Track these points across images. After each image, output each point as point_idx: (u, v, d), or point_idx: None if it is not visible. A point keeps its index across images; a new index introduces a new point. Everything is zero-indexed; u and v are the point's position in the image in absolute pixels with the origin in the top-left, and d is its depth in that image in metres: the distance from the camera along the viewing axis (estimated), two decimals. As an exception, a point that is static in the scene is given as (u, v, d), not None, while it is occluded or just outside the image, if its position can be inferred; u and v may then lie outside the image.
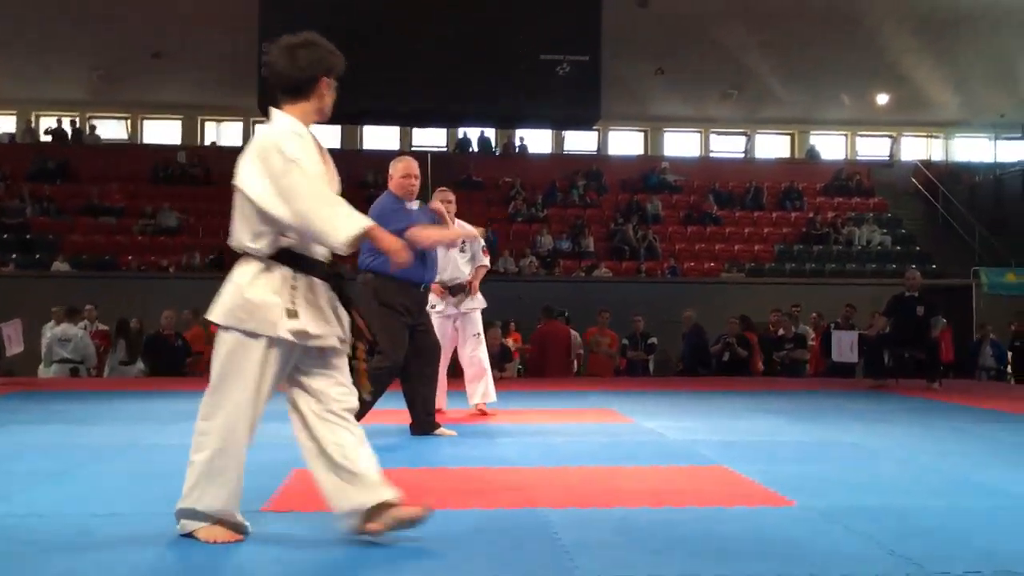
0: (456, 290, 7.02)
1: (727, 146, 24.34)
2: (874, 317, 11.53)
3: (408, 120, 19.44)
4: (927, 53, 19.71)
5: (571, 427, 6.63)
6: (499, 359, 11.01)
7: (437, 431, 5.93)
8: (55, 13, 17.66)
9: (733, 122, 23.47)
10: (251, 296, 3.07)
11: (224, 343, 3.12)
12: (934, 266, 18.32)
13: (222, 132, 23.49)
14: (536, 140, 22.60)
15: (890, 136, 24.43)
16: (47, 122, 21.91)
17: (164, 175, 19.72)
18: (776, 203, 20.78)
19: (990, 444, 5.96)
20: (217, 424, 3.11)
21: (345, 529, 3.15)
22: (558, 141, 23.24)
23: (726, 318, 13.04)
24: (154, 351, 11.89)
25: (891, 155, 24.20)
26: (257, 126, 3.22)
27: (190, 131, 22.89)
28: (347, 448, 3.10)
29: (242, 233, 3.14)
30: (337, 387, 3.16)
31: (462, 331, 7.12)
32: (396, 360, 5.60)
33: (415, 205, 5.83)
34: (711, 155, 23.93)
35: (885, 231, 19.90)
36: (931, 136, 24.71)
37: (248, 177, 3.09)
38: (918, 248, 19.61)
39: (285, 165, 3.01)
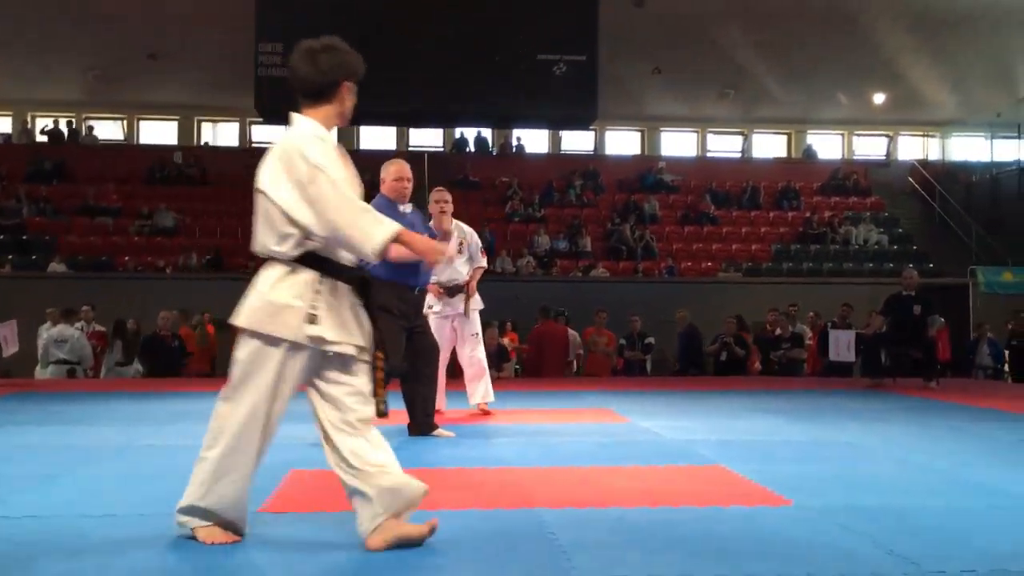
0: (454, 291, 7.02)
1: (724, 146, 24.36)
2: (871, 316, 11.54)
3: (405, 120, 19.44)
4: (923, 52, 19.73)
5: (568, 427, 6.63)
6: (496, 359, 11.03)
7: (435, 432, 5.93)
8: (51, 13, 17.63)
9: (730, 122, 23.49)
10: (273, 299, 3.06)
11: (244, 345, 3.11)
12: (931, 265, 18.33)
13: (218, 133, 23.49)
14: (533, 140, 22.60)
15: (887, 135, 24.47)
16: (43, 123, 21.88)
17: (160, 176, 19.70)
18: (773, 203, 20.80)
19: (987, 443, 5.96)
20: (231, 424, 3.09)
21: (359, 532, 3.14)
22: (555, 141, 23.25)
23: (723, 318, 13.06)
24: (151, 352, 11.88)
25: (888, 154, 24.25)
26: (282, 130, 3.21)
27: (186, 132, 22.87)
28: (364, 455, 3.09)
29: (266, 237, 3.11)
30: (353, 396, 3.13)
31: (460, 331, 7.12)
32: (393, 364, 5.60)
33: (408, 208, 5.83)
34: (708, 155, 23.95)
35: (882, 230, 19.92)
36: (928, 135, 24.74)
37: (272, 182, 3.08)
38: (915, 247, 19.63)
39: (311, 172, 3.00)
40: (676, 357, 13.56)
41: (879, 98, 22.15)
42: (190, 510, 3.15)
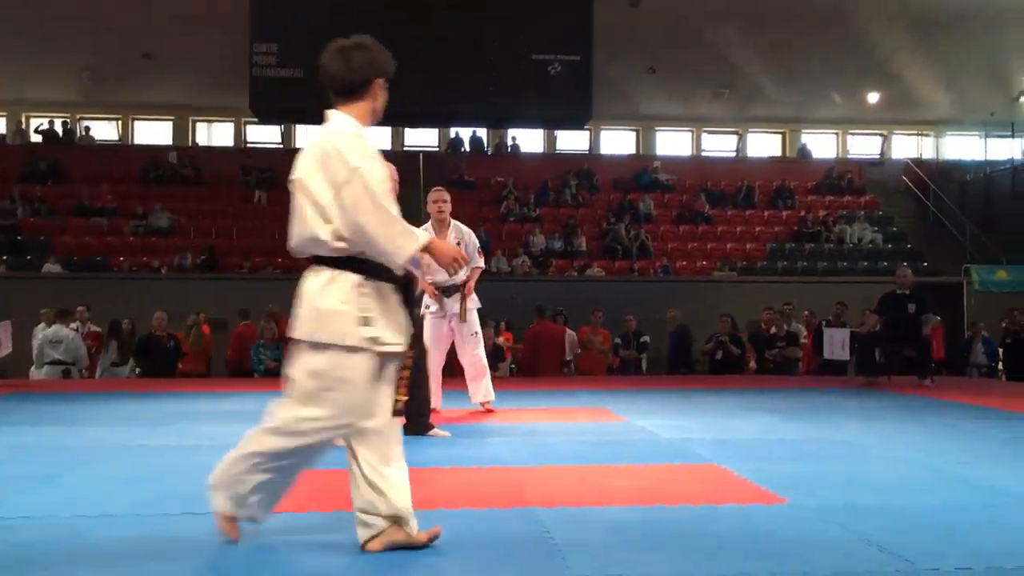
0: (450, 291, 7.01)
1: (719, 145, 24.38)
2: (864, 315, 11.56)
3: (401, 120, 19.40)
4: (918, 52, 19.76)
5: (564, 426, 6.64)
6: (491, 359, 11.01)
7: (431, 432, 5.93)
8: (46, 14, 17.58)
9: (724, 121, 23.50)
10: (321, 306, 3.04)
11: (306, 359, 3.07)
12: (925, 264, 18.37)
13: (213, 133, 23.45)
14: (528, 140, 22.60)
15: (881, 135, 24.51)
16: (38, 123, 21.83)
17: (155, 176, 19.66)
18: (768, 202, 20.82)
19: (982, 441, 5.98)
20: (296, 444, 3.06)
21: (357, 536, 3.14)
22: (550, 141, 23.25)
23: (717, 317, 13.06)
24: (146, 352, 11.87)
25: (882, 153, 24.29)
26: (321, 126, 3.20)
27: (181, 132, 22.83)
28: (375, 463, 3.10)
29: (302, 235, 3.09)
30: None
31: (459, 332, 7.12)
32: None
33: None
34: (703, 154, 23.96)
35: (876, 229, 19.95)
36: (922, 134, 24.77)
37: (310, 179, 3.06)
38: (909, 246, 19.67)
39: (348, 174, 2.99)
40: (666, 356, 13.56)
41: (873, 97, 22.19)
42: (232, 495, 3.13)
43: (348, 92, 3.20)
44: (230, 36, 15.98)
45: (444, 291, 6.98)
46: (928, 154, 24.48)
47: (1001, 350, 13.90)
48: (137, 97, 21.51)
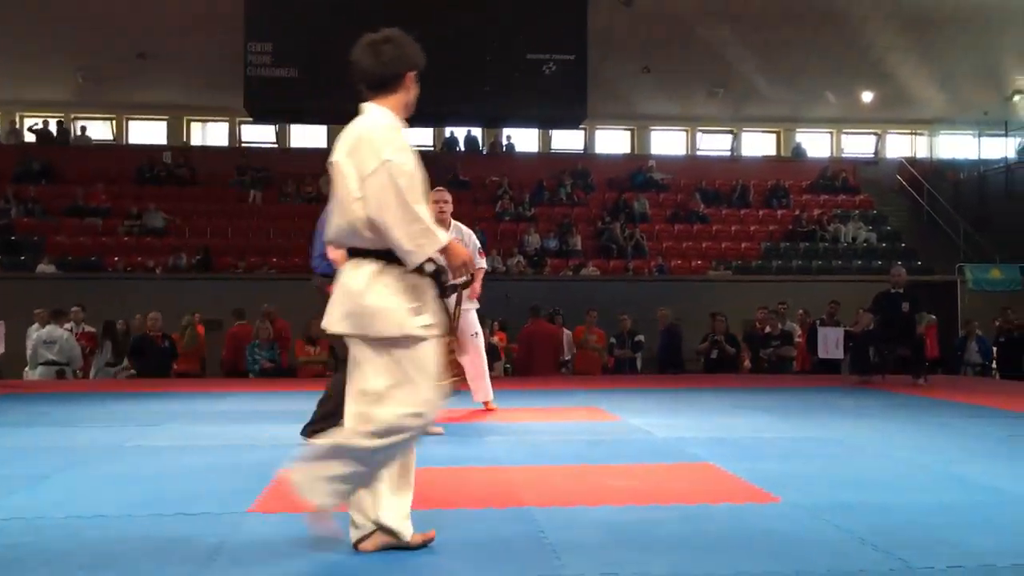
0: (449, 292, 6.96)
1: (713, 144, 24.40)
2: (859, 314, 11.58)
3: (396, 120, 19.44)
4: (912, 51, 19.82)
5: (558, 426, 6.64)
6: (487, 358, 11.00)
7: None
8: (40, 14, 17.55)
9: (719, 120, 23.53)
10: (370, 303, 3.01)
11: (368, 355, 3.03)
12: (919, 263, 18.40)
13: (208, 132, 23.40)
14: (523, 139, 22.60)
15: (875, 134, 24.55)
16: (31, 122, 21.77)
17: (150, 176, 19.62)
18: (762, 201, 20.85)
19: (976, 440, 5.99)
20: (382, 443, 3.01)
21: (350, 537, 3.13)
22: (545, 140, 23.25)
23: (712, 316, 13.07)
24: (140, 352, 11.85)
25: (876, 152, 24.33)
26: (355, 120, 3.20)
27: (175, 131, 22.78)
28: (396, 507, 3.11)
29: (339, 225, 3.08)
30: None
31: (459, 332, 7.08)
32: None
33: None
34: (697, 153, 23.98)
35: (871, 228, 20.00)
36: (916, 133, 24.82)
37: (345, 168, 3.05)
38: (903, 245, 19.71)
39: (378, 165, 2.99)
40: (656, 356, 13.55)
41: (867, 96, 22.23)
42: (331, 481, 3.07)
43: (380, 86, 3.21)
44: (225, 36, 15.99)
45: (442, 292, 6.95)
46: (922, 153, 24.53)
47: (995, 349, 13.94)
48: (132, 97, 21.47)
